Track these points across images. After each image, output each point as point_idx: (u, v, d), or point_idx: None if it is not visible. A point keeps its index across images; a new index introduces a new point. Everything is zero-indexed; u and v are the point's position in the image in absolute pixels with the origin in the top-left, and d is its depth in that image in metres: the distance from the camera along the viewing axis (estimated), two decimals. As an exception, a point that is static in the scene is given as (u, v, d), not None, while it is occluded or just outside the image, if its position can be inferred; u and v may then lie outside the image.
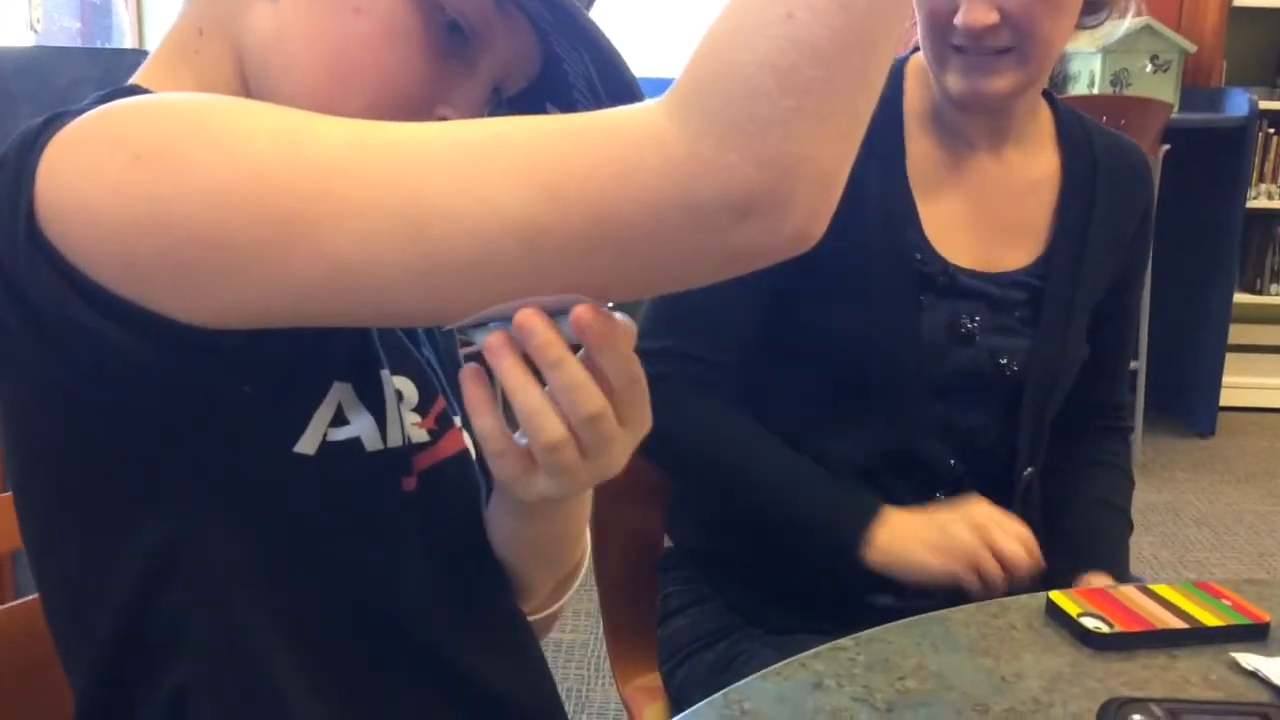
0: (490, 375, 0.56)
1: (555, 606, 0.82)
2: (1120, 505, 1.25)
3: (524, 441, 0.57)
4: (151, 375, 0.56)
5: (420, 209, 0.50)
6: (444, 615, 0.70)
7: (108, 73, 2.04)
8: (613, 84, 0.65)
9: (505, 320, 0.53)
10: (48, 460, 0.61)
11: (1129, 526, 1.24)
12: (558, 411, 0.55)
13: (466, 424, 0.77)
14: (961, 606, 0.87)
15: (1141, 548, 2.83)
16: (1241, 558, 2.79)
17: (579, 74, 0.67)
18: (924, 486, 1.14)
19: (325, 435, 0.63)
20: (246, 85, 0.65)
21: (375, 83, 0.62)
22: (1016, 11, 1.03)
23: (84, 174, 0.53)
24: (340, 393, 0.64)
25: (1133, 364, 3.41)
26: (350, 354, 0.66)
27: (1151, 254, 1.63)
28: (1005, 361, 1.13)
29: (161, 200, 0.51)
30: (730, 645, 1.15)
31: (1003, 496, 1.13)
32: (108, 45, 3.39)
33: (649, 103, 0.50)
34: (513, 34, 0.66)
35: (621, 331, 0.54)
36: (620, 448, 0.57)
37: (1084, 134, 1.20)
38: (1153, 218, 1.27)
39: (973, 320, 1.12)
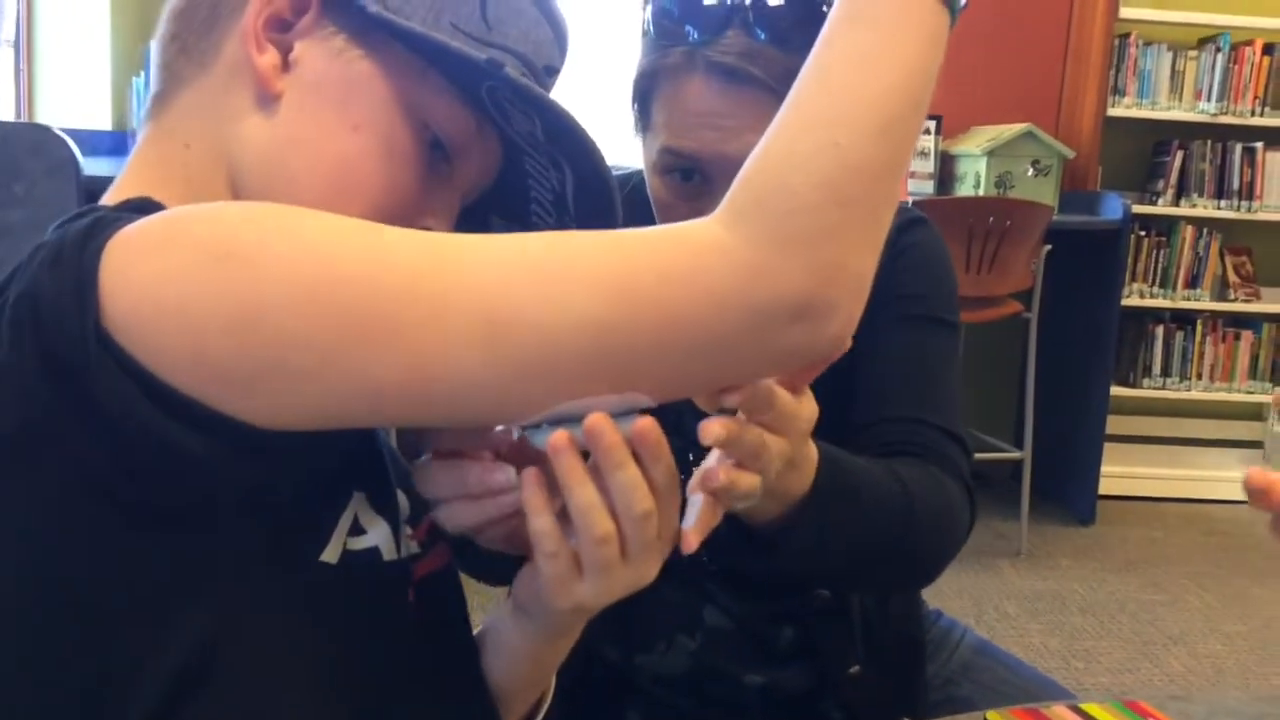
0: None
1: None
2: (895, 472, 0.93)
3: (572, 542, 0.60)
4: (210, 476, 0.54)
5: (498, 310, 0.53)
6: None
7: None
8: (592, 203, 0.67)
9: (561, 422, 0.57)
10: (60, 571, 0.55)
11: (894, 483, 0.92)
12: (609, 510, 0.58)
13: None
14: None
15: (1031, 635, 2.90)
16: (1127, 646, 2.88)
17: (547, 189, 0.69)
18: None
19: (345, 544, 0.62)
20: (237, 195, 0.65)
21: (374, 196, 0.65)
22: None
23: (162, 274, 0.52)
24: (358, 502, 0.64)
25: (1017, 454, 3.53)
26: (367, 463, 0.66)
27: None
28: None
29: (248, 299, 0.51)
30: None
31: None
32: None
33: (702, 219, 0.55)
34: (485, 150, 0.69)
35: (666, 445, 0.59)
36: (656, 555, 0.61)
37: None
38: (905, 264, 1.09)
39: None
